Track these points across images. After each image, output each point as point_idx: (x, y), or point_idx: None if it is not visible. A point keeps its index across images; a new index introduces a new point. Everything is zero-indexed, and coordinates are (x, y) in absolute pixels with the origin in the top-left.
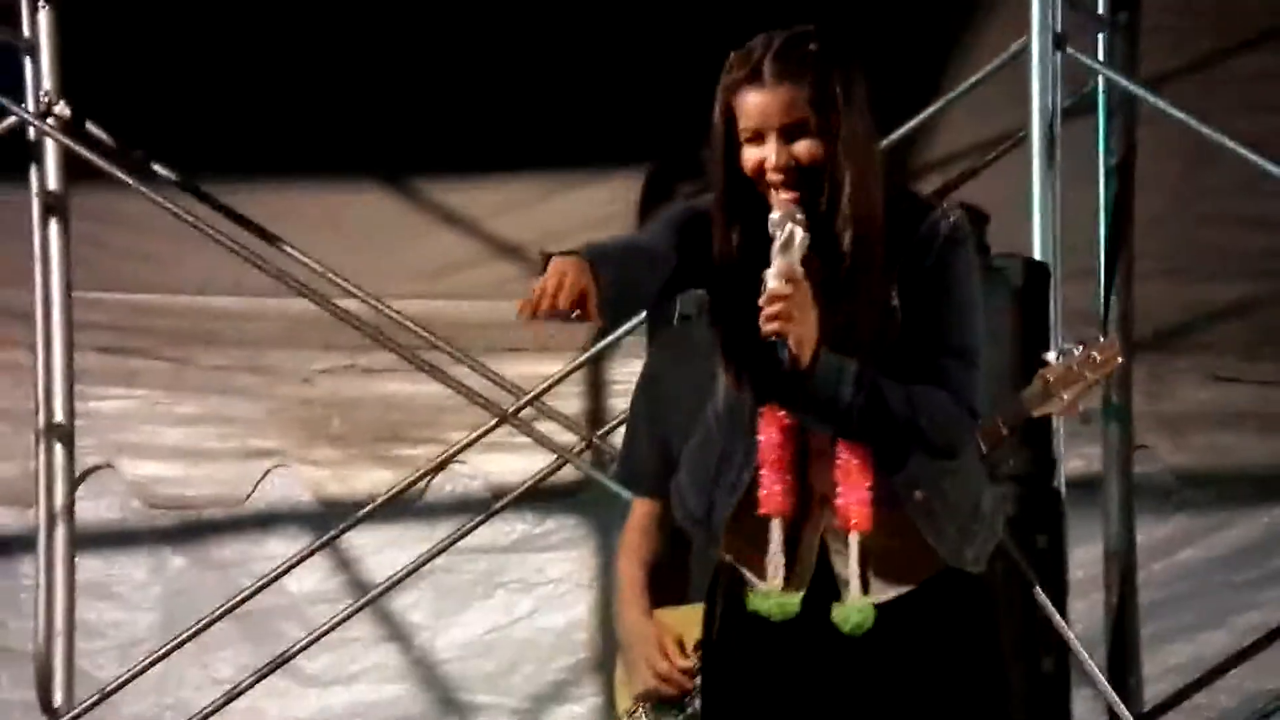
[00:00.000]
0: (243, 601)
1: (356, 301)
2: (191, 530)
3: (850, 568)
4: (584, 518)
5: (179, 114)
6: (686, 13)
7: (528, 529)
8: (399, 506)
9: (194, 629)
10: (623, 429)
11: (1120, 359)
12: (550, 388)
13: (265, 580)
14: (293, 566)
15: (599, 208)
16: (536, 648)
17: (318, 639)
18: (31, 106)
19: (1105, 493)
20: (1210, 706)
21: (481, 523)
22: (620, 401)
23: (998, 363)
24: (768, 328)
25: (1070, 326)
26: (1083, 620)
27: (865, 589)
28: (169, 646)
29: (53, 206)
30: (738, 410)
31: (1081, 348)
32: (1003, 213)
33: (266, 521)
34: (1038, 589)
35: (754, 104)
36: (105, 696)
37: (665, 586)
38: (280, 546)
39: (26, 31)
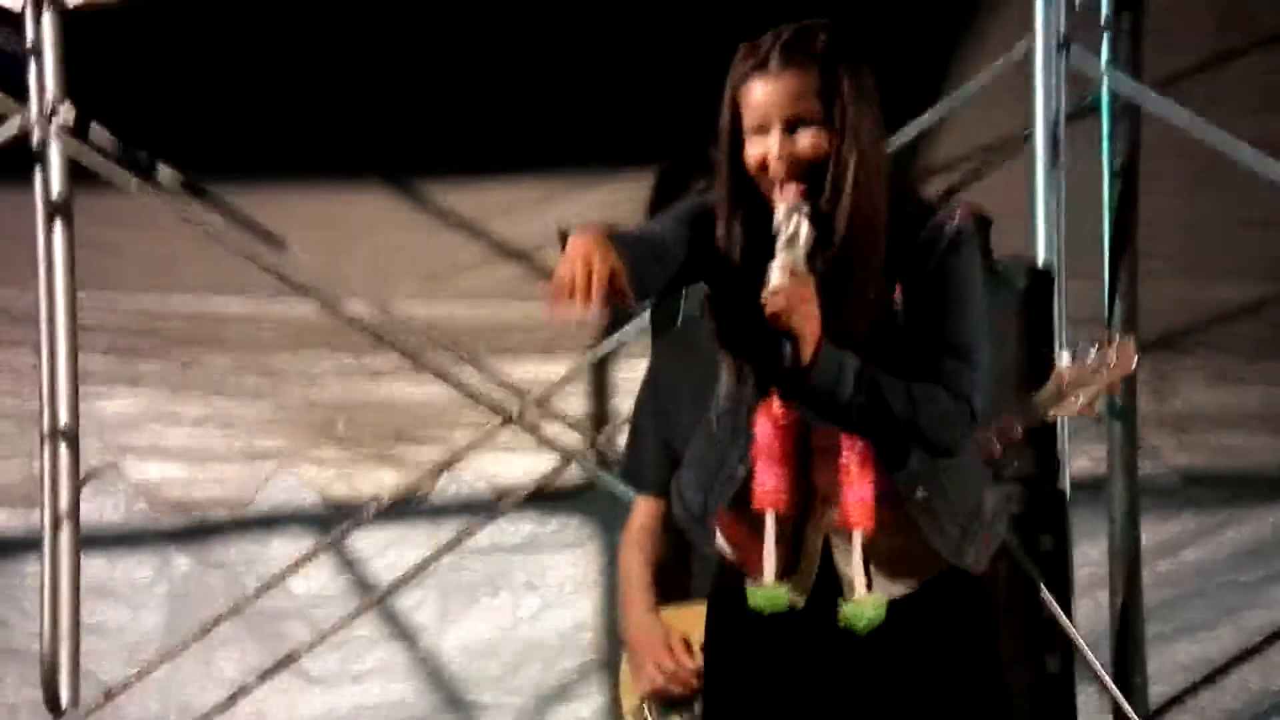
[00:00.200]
0: (248, 602)
1: (361, 303)
2: (196, 531)
3: (854, 566)
4: (589, 518)
5: (183, 117)
6: (692, 14)
7: (533, 530)
8: (404, 507)
9: (200, 630)
10: (627, 430)
11: (1136, 360)
12: (555, 389)
13: (270, 581)
14: (298, 567)
15: (603, 209)
16: (542, 648)
17: (323, 639)
18: (36, 110)
19: (1110, 492)
20: (1216, 706)
21: (487, 523)
22: (624, 402)
23: (1002, 365)
24: (772, 316)
25: (1074, 328)
26: (1088, 619)
27: (869, 588)
28: (175, 647)
29: (57, 209)
30: (738, 409)
31: (1096, 349)
32: (1007, 215)
33: (271, 522)
34: (1043, 588)
35: (759, 93)
36: (111, 697)
37: (670, 585)
38: (285, 547)
39: (31, 35)
